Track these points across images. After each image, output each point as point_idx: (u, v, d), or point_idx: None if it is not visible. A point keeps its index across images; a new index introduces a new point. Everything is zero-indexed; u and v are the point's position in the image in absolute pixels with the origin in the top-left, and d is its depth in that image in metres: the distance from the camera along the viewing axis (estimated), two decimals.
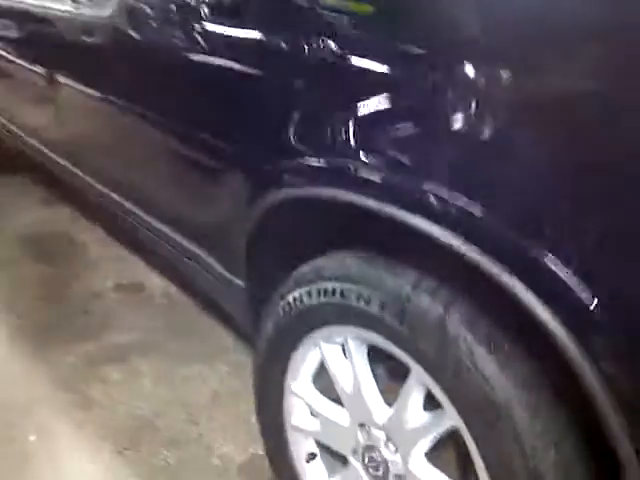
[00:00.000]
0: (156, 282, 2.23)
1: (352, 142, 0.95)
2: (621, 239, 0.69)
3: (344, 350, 1.09)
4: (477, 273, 0.79)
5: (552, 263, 0.71)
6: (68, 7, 1.82)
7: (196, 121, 1.37)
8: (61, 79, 1.94)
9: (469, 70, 0.80)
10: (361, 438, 1.09)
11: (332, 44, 0.98)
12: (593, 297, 0.69)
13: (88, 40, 1.74)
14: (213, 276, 1.44)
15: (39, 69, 2.08)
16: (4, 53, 2.35)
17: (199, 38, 1.29)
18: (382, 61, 0.91)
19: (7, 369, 1.80)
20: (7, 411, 1.65)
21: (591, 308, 0.69)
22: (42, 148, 2.29)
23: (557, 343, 0.73)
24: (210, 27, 1.27)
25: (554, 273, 0.71)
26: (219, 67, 1.25)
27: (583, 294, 0.70)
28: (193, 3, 1.31)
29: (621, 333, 0.70)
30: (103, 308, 2.10)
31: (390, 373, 1.09)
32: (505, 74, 0.77)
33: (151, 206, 1.70)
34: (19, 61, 2.26)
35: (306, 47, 1.03)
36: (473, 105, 0.79)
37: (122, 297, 2.17)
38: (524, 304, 0.75)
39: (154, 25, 1.47)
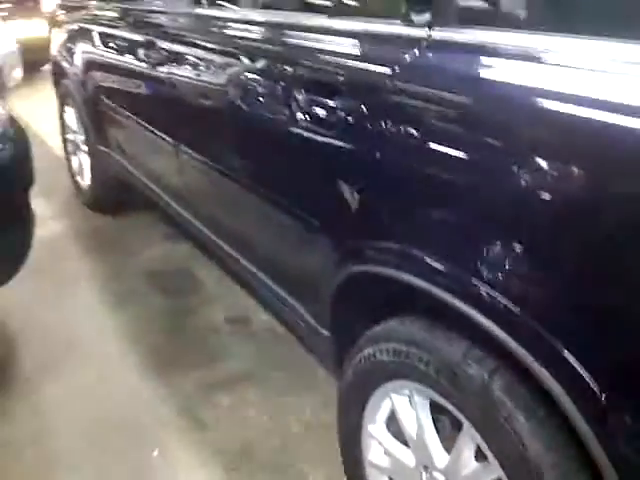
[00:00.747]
0: (261, 317, 2.49)
1: (417, 231, 1.14)
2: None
3: (411, 401, 1.27)
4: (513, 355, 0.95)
5: (572, 358, 0.87)
6: (189, 73, 2.13)
7: (292, 193, 1.60)
8: (181, 142, 2.26)
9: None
10: (424, 478, 1.26)
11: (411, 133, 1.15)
12: (604, 390, 0.84)
13: (203, 107, 2.05)
14: (303, 323, 1.66)
15: (163, 133, 2.42)
16: (135, 115, 2.73)
17: (298, 116, 1.51)
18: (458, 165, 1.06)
19: (136, 393, 2.12)
20: (135, 429, 1.95)
21: (602, 399, 0.84)
22: (165, 196, 2.64)
23: (571, 420, 0.88)
24: (308, 107, 1.46)
25: (573, 367, 0.87)
26: (317, 148, 1.44)
27: (596, 387, 0.85)
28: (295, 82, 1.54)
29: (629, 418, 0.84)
30: (216, 339, 2.39)
31: (452, 424, 1.26)
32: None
33: (253, 256, 1.95)
34: (146, 122, 2.62)
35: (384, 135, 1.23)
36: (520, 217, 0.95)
37: (232, 330, 2.45)
38: (547, 387, 0.91)
39: (261, 99, 1.69)
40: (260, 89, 1.66)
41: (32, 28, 6.67)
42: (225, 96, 1.83)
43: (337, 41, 1.41)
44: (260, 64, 1.71)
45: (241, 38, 1.84)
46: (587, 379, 0.85)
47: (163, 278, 2.88)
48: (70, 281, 2.84)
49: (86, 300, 2.70)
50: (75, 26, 3.28)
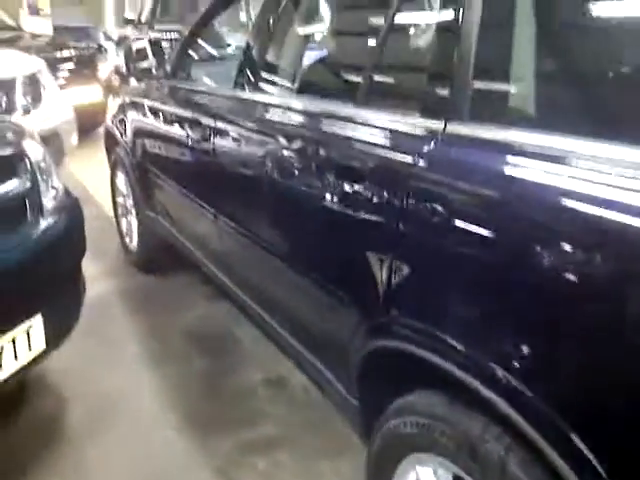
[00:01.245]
0: (298, 378, 2.55)
1: (436, 311, 1.21)
2: None
3: (435, 473, 1.31)
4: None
5: (579, 440, 0.92)
6: (230, 149, 2.27)
7: (322, 265, 1.69)
8: (220, 212, 2.39)
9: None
10: None
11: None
12: (609, 473, 0.89)
13: (240, 181, 2.18)
14: (334, 390, 1.72)
15: (204, 202, 2.56)
16: (178, 184, 2.89)
17: (329, 195, 1.61)
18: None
19: (174, 453, 2.19)
20: None
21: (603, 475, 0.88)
22: (206, 260, 2.76)
23: None
24: (339, 187, 1.56)
25: (580, 449, 0.92)
26: (346, 225, 1.54)
27: (602, 470, 0.89)
28: (327, 164, 1.67)
29: None
30: (252, 401, 2.45)
31: None
32: None
33: (286, 322, 2.04)
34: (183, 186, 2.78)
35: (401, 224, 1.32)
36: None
37: (269, 391, 2.51)
38: (556, 467, 0.95)
39: (295, 177, 1.81)
40: (294, 168, 1.78)
41: (88, 94, 7.08)
42: (261, 173, 1.96)
43: (365, 130, 1.53)
44: (295, 146, 1.84)
45: (278, 122, 1.97)
46: (593, 462, 0.89)
47: (202, 338, 2.98)
48: (114, 341, 2.96)
49: (129, 361, 2.80)
50: (127, 98, 3.51)
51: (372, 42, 1.68)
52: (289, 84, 2.20)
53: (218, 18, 2.80)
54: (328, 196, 1.57)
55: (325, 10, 2.36)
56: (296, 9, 2.20)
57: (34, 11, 10.15)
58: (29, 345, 1.90)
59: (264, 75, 2.19)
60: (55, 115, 4.60)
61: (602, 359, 0.92)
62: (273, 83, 2.20)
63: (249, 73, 2.22)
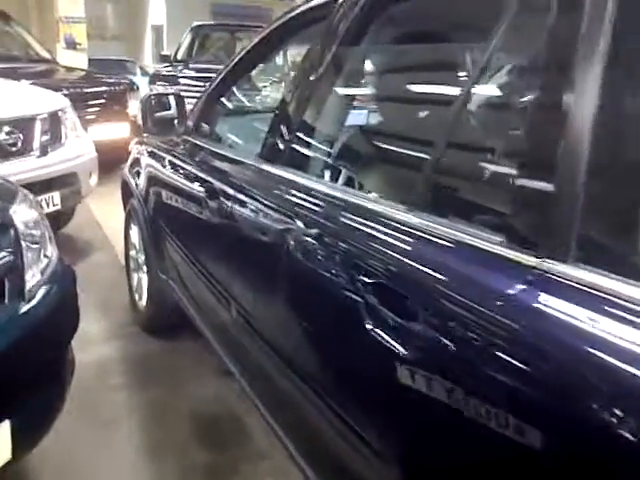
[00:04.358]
0: None
1: None
2: None
3: None
4: None
5: None
6: (246, 226, 1.97)
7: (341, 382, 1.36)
8: (234, 298, 2.08)
9: None
10: None
11: None
12: None
13: (257, 268, 1.88)
14: None
15: (217, 281, 2.26)
16: (192, 255, 2.59)
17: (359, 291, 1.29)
18: None
19: None
20: None
21: None
22: (215, 342, 2.45)
23: None
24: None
25: None
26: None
27: None
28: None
29: None
30: None
31: None
32: None
33: (294, 438, 1.71)
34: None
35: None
36: None
37: None
38: None
39: (318, 258, 1.50)
40: (312, 262, 1.46)
41: (116, 130, 6.92)
42: (279, 258, 1.65)
43: (423, 247, 1.18)
44: (328, 248, 1.48)
45: (308, 208, 1.64)
46: None
47: (208, 424, 2.64)
48: (109, 423, 2.62)
49: (123, 447, 2.47)
50: (144, 149, 3.25)
51: (435, 129, 1.35)
52: (324, 168, 1.87)
53: (252, 68, 2.52)
54: (364, 317, 1.23)
55: (379, 80, 2.04)
56: (339, 76, 1.84)
57: (71, 45, 10.17)
58: None
59: (295, 151, 1.87)
60: (75, 156, 4.38)
61: None
62: (305, 163, 1.88)
63: (278, 145, 1.91)
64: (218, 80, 2.54)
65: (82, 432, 2.51)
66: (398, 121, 1.84)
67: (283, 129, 1.89)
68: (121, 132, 7.02)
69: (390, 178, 1.72)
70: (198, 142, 2.58)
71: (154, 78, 8.84)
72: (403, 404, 1.12)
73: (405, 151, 1.66)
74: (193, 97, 8.08)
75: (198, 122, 2.60)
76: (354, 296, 1.26)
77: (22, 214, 1.93)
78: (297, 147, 1.85)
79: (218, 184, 2.19)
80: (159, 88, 8.32)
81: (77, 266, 4.55)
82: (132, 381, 3.00)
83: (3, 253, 1.70)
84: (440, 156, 1.25)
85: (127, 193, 3.51)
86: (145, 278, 3.35)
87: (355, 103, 1.95)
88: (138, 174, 3.28)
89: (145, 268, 3.31)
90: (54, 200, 4.14)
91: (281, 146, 1.88)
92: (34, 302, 1.74)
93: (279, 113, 1.98)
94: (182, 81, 8.47)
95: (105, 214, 5.55)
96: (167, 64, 9.78)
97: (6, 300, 1.66)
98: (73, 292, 2.00)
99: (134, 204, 3.35)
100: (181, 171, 2.61)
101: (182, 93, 8.27)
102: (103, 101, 6.94)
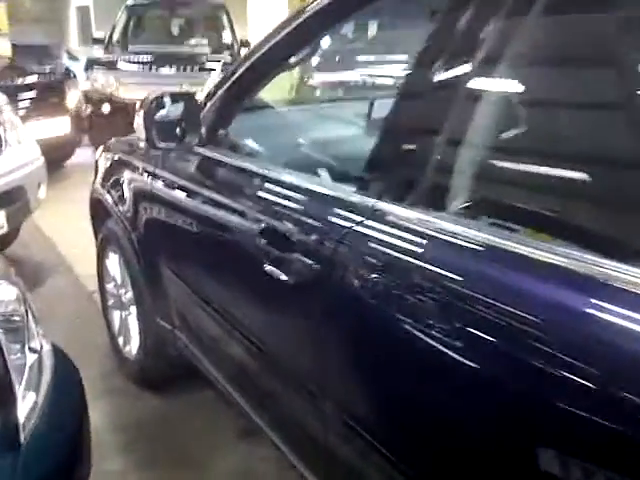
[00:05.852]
0: None
1: None
2: None
3: None
4: None
5: None
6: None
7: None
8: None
9: None
10: None
11: None
12: None
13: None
14: None
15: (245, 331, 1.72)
16: (209, 297, 1.97)
17: None
18: None
19: None
20: None
21: None
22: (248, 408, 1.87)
23: None
24: None
25: None
26: None
27: None
28: None
29: None
30: None
31: None
32: None
33: None
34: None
35: None
36: None
37: None
38: None
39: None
40: None
41: (55, 127, 6.03)
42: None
43: None
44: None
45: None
46: None
47: None
48: None
49: None
50: (126, 157, 2.54)
51: None
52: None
53: (302, 53, 1.83)
54: None
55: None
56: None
57: None
58: None
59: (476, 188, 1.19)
60: (19, 166, 3.57)
61: None
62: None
63: (380, 172, 1.31)
64: (243, 74, 1.83)
65: None
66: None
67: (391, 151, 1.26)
68: (60, 128, 6.13)
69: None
70: (218, 155, 1.89)
71: (90, 64, 7.86)
72: None
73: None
74: (136, 84, 7.31)
75: (214, 127, 1.91)
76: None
77: None
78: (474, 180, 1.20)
79: (271, 221, 1.55)
80: (97, 75, 7.43)
81: (33, 295, 3.79)
82: (132, 462, 2.31)
83: None
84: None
85: (100, 213, 2.79)
86: (133, 320, 2.65)
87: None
88: (117, 191, 2.57)
89: (134, 309, 2.62)
90: None
91: (423, 177, 1.22)
92: (34, 446, 1.06)
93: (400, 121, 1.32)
94: (122, 66, 7.58)
95: (55, 227, 4.73)
96: (101, 48, 8.79)
97: None
98: (82, 408, 1.33)
99: (113, 228, 2.64)
100: (199, 195, 1.93)
101: (123, 80, 7.47)
102: (36, 93, 6.02)
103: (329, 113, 2.47)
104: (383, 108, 1.63)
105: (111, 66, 7.60)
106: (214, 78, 7.52)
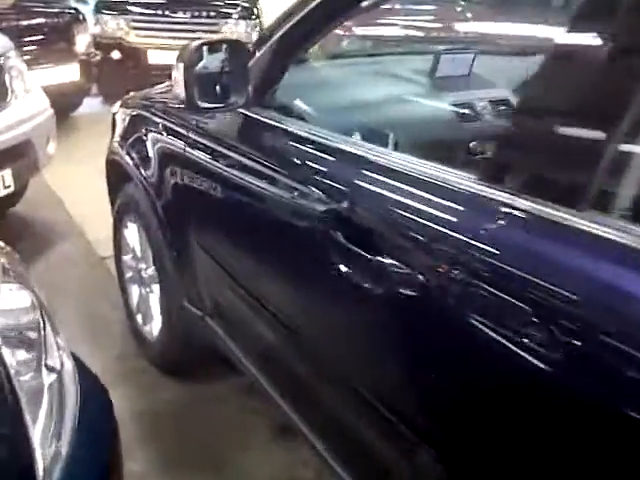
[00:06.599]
0: None
1: None
2: None
3: None
4: None
5: None
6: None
7: None
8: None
9: None
10: None
11: None
12: None
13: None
14: None
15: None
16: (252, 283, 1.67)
17: None
18: None
19: None
20: None
21: None
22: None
23: None
24: None
25: None
26: None
27: None
28: None
29: None
30: None
31: None
32: None
33: None
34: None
35: None
36: None
37: None
38: None
39: None
40: None
41: (63, 73, 5.64)
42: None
43: None
44: None
45: None
46: None
47: None
48: None
49: None
50: (147, 113, 2.21)
51: None
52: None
53: None
54: None
55: None
56: None
57: None
58: None
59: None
60: (27, 118, 3.23)
61: None
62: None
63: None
64: (299, 21, 1.46)
65: None
66: None
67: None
68: (69, 75, 5.73)
69: None
70: (265, 118, 1.56)
71: (100, 6, 7.38)
72: None
73: None
74: (148, 29, 6.84)
75: (264, 87, 1.56)
76: None
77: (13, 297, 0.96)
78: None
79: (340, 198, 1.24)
80: (107, 18, 6.98)
81: (40, 262, 3.51)
82: (156, 462, 2.05)
83: None
84: None
85: (118, 177, 2.46)
86: (155, 299, 2.36)
87: None
88: (139, 152, 2.24)
89: (156, 287, 2.32)
90: (5, 181, 3.02)
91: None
92: None
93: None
94: (133, 9, 7.09)
95: (64, 185, 4.39)
96: None
97: None
98: (115, 441, 1.04)
99: (133, 194, 2.33)
100: (244, 165, 1.60)
101: (133, 24, 6.99)
102: (43, 37, 5.61)
103: (414, 68, 2.09)
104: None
105: (122, 9, 7.14)
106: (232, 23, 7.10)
